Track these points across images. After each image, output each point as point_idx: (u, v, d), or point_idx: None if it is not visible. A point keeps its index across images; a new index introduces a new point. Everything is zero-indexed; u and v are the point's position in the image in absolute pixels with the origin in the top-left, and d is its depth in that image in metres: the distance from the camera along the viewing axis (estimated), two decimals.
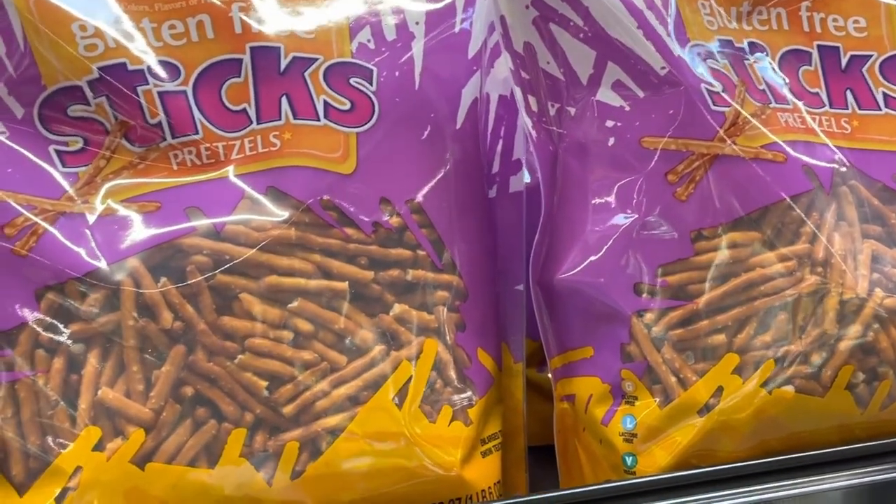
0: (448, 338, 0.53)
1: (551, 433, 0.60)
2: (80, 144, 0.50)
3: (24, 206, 0.48)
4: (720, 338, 0.53)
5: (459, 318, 0.55)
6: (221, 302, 0.49)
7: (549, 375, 0.70)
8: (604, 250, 0.55)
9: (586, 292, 0.55)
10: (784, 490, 0.51)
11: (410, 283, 0.53)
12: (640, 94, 0.55)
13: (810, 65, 0.59)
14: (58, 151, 0.50)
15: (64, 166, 0.50)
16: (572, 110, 0.56)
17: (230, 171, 0.51)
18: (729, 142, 0.54)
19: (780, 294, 0.53)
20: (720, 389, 0.53)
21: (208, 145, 0.51)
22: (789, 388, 0.53)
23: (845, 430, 0.55)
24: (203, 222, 0.49)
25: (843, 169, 0.56)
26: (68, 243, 0.48)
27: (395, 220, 0.53)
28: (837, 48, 0.60)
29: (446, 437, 0.52)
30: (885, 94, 0.60)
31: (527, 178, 0.59)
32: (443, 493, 0.52)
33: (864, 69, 0.60)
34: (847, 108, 0.59)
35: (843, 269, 0.54)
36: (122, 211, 0.49)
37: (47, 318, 0.48)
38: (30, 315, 0.48)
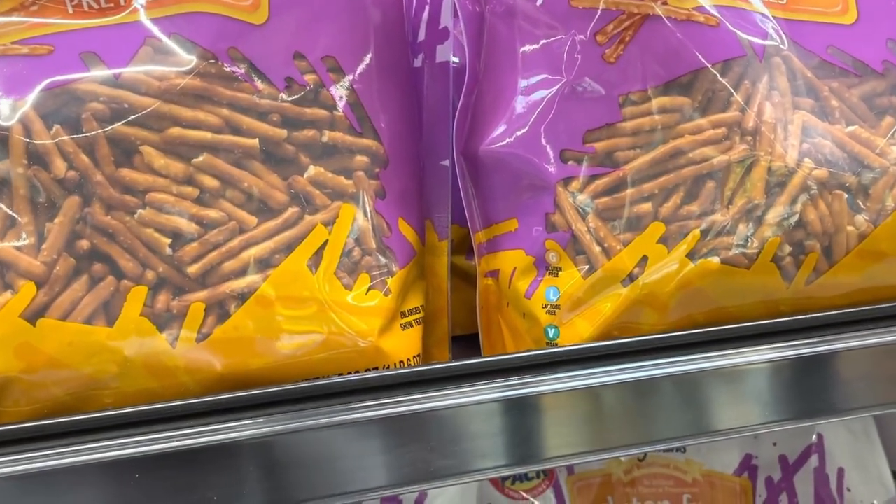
0: (367, 204, 0.51)
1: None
2: None
3: None
4: (646, 206, 0.52)
5: (379, 186, 0.52)
6: (121, 154, 0.46)
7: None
8: (531, 118, 0.53)
9: (511, 162, 0.53)
10: (705, 362, 0.50)
11: (327, 145, 0.51)
12: None
13: None
14: None
15: None
16: None
17: (131, 16, 0.47)
18: (660, 2, 0.52)
19: (708, 162, 0.52)
20: (645, 259, 0.52)
21: None
22: (715, 259, 0.52)
23: (770, 305, 0.54)
24: (100, 68, 0.46)
25: (777, 38, 0.55)
26: None
27: (310, 77, 0.50)
28: None
29: (363, 306, 0.50)
30: None
31: (454, 59, 0.57)
32: (358, 363, 0.50)
33: None
34: None
35: (772, 139, 0.52)
36: (12, 53, 0.46)
37: None
38: None
